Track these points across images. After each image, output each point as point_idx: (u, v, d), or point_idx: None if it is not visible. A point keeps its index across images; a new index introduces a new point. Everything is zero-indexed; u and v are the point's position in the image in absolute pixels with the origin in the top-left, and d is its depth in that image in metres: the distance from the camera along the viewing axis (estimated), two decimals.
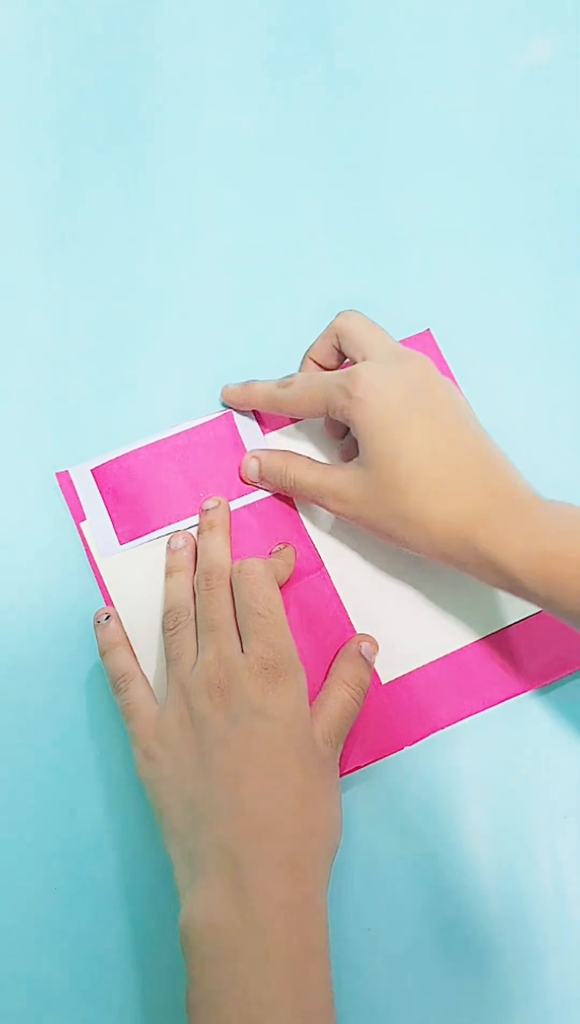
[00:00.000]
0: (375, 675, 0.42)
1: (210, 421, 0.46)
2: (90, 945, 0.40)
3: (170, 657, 0.40)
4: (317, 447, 0.46)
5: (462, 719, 0.41)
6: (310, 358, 0.45)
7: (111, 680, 0.41)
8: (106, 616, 0.42)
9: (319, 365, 0.45)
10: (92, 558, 0.44)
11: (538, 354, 0.48)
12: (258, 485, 0.44)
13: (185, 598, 0.42)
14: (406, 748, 0.41)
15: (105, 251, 0.50)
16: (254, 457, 0.44)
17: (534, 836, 0.40)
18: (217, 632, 0.39)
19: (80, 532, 0.44)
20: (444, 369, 0.47)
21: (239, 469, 0.45)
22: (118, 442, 0.46)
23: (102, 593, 0.43)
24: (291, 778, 0.36)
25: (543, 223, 0.50)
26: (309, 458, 0.43)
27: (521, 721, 0.42)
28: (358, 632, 0.43)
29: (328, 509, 0.42)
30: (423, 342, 0.47)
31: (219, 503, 0.44)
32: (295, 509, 0.45)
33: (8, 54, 0.53)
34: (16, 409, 0.47)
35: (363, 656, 0.41)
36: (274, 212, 0.50)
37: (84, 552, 0.44)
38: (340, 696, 0.40)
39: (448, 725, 0.41)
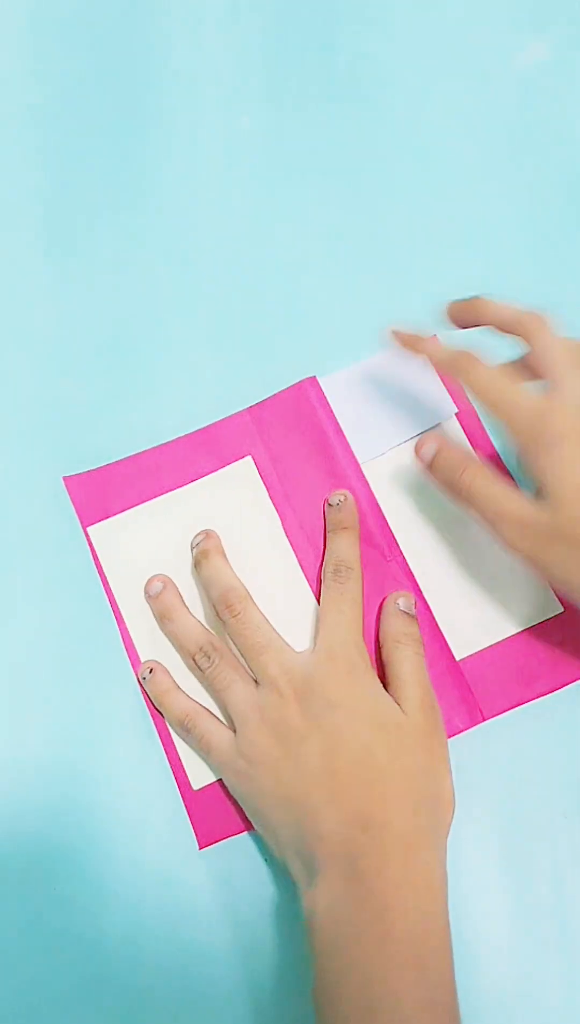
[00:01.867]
0: (449, 650, 0.42)
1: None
2: (90, 947, 0.39)
3: (219, 688, 0.40)
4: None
5: (542, 695, 0.41)
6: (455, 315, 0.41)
7: (177, 724, 0.41)
8: (149, 670, 0.42)
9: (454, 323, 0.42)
10: (99, 563, 0.44)
11: None
12: (426, 471, 0.41)
13: (200, 632, 0.42)
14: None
15: (106, 250, 0.49)
16: (434, 440, 0.40)
17: (535, 836, 0.40)
18: (267, 651, 0.39)
19: (87, 537, 0.44)
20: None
21: (416, 446, 0.41)
22: (126, 447, 0.45)
23: (108, 597, 0.43)
24: (386, 765, 0.36)
25: (549, 228, 0.50)
26: (493, 471, 0.39)
27: (521, 723, 0.42)
28: (434, 613, 0.42)
29: (500, 536, 0.37)
30: None
31: (207, 534, 0.43)
32: (373, 493, 0.44)
33: (8, 52, 0.53)
34: (23, 414, 0.46)
35: (403, 611, 0.41)
36: (275, 212, 0.50)
37: (91, 557, 0.44)
38: (404, 655, 0.40)
39: (532, 699, 0.41)
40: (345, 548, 0.42)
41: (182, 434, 0.45)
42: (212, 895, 0.40)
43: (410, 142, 0.51)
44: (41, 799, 0.41)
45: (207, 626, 0.42)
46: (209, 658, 0.40)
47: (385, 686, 0.39)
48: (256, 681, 0.40)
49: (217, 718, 0.41)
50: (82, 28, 0.53)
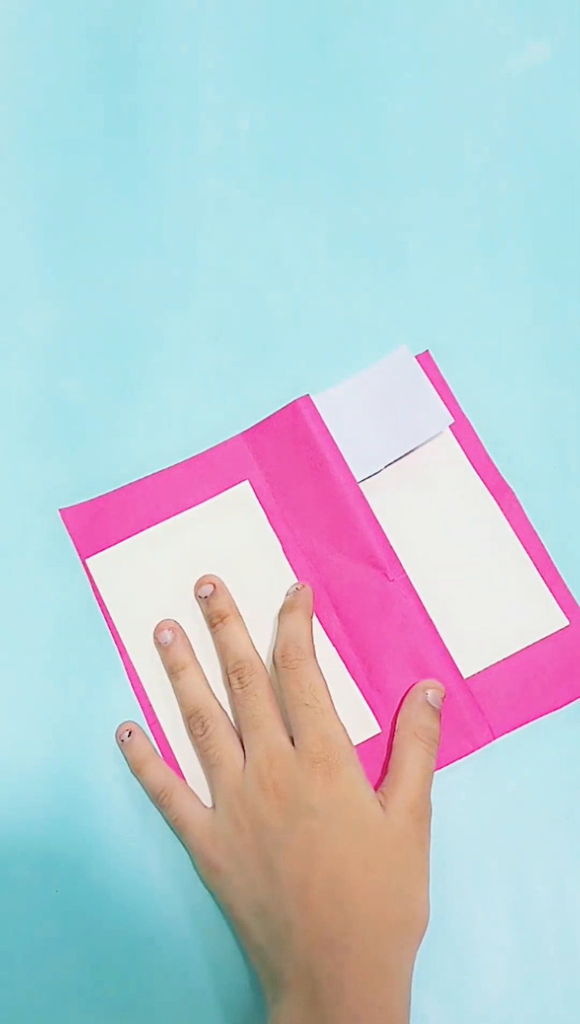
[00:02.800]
0: (457, 671, 0.41)
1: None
2: (90, 948, 0.40)
3: (209, 763, 0.39)
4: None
5: (552, 710, 0.41)
6: None
7: (152, 796, 0.40)
8: (128, 733, 0.41)
9: None
10: (99, 594, 0.43)
11: (541, 373, 0.47)
12: None
13: (205, 696, 0.41)
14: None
15: (103, 254, 0.49)
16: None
17: (534, 837, 0.41)
18: (262, 730, 0.39)
19: (86, 568, 0.44)
20: (445, 390, 0.46)
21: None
22: (120, 477, 0.45)
23: (109, 627, 0.43)
24: (359, 881, 0.35)
25: (550, 229, 0.49)
26: (195, 795, 0.40)
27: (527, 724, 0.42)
28: (440, 632, 0.42)
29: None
30: (422, 363, 0.46)
31: (216, 587, 0.42)
32: (372, 512, 0.43)
33: (6, 52, 0.52)
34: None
35: (431, 704, 0.40)
36: (273, 215, 0.49)
37: (91, 589, 0.44)
38: (417, 755, 0.38)
39: (542, 715, 0.41)
40: (294, 626, 0.41)
41: (177, 461, 0.45)
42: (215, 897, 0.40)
43: (409, 143, 0.50)
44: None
45: (212, 670, 0.42)
46: (204, 726, 0.40)
47: (386, 769, 0.39)
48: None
49: (196, 796, 0.40)
50: (80, 28, 0.52)
